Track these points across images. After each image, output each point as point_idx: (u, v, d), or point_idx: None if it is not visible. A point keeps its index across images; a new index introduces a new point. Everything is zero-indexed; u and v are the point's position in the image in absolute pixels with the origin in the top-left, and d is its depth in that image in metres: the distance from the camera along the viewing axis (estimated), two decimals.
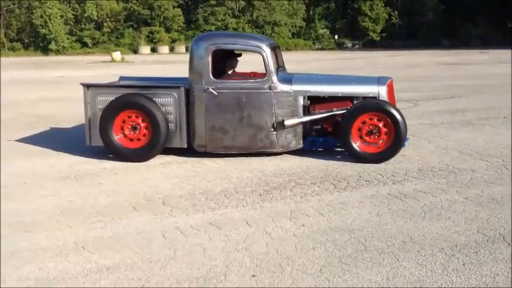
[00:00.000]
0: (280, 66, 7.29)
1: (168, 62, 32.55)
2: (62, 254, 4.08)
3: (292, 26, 54.80)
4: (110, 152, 7.00)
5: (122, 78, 8.36)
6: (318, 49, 52.76)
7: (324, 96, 7.04)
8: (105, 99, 7.03)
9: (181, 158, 7.05)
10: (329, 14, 57.56)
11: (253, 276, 3.64)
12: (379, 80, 7.09)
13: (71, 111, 11.59)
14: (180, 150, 7.08)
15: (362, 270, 3.66)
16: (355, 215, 4.78)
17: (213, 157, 6.98)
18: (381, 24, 54.12)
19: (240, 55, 7.68)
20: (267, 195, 5.43)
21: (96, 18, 49.99)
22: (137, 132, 6.91)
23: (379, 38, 53.72)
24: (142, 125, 6.88)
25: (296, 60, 28.04)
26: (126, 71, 25.73)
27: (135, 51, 49.49)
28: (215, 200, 5.32)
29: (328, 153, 7.09)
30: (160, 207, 5.15)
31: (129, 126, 6.91)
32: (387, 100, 6.85)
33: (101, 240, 4.33)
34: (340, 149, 7.20)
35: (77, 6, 49.49)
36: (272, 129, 6.83)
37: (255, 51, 6.90)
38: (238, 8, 54.31)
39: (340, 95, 6.97)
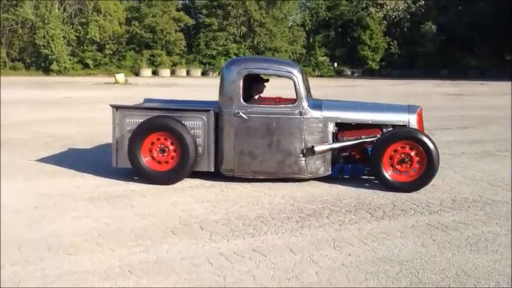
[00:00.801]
0: (308, 92, 7.29)
1: (172, 85, 32.68)
2: (110, 278, 4.00)
3: (292, 53, 55.19)
4: (138, 174, 6.94)
5: (146, 100, 8.36)
6: (317, 76, 53.03)
7: (352, 123, 7.03)
8: (134, 121, 7.00)
9: (208, 181, 7.00)
10: (329, 42, 57.96)
11: None
12: (409, 109, 7.10)
13: (85, 132, 11.59)
14: (206, 174, 7.03)
15: None
16: (399, 245, 4.73)
17: (240, 181, 6.93)
18: (380, 53, 54.55)
19: (267, 80, 7.70)
20: (304, 222, 5.38)
21: (98, 40, 50.20)
22: (166, 154, 6.87)
23: (378, 67, 54.09)
24: (171, 147, 6.84)
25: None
26: (131, 93, 25.83)
27: (137, 74, 49.65)
28: (252, 225, 5.25)
29: (356, 180, 7.06)
30: (198, 231, 5.08)
31: (158, 149, 6.86)
32: (417, 129, 6.86)
33: (146, 265, 4.26)
34: (368, 177, 7.19)
35: (79, 27, 49.80)
36: (301, 155, 6.80)
37: (287, 77, 6.92)
38: (240, 33, 54.71)
39: (370, 122, 6.97)
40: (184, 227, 5.20)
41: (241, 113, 6.75)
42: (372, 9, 56.12)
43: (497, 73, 49.37)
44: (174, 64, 53.86)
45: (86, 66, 49.33)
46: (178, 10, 56.37)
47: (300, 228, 5.17)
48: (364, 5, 57.40)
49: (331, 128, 6.89)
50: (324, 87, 32.11)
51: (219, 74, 49.89)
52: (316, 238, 4.90)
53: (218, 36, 53.94)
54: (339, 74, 53.58)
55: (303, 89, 6.80)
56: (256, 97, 7.57)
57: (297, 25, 56.76)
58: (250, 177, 6.94)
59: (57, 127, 12.40)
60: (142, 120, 6.91)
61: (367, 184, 6.96)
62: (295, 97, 6.91)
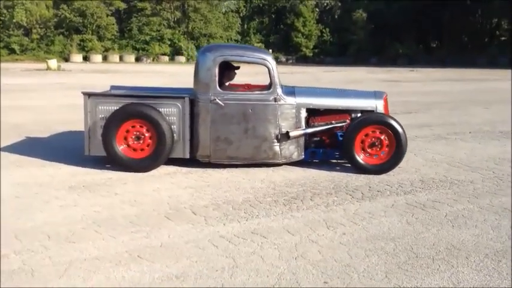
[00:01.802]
0: None
1: (111, 72, 31.95)
2: (122, 263, 4.06)
3: (227, 39, 55.17)
4: (113, 162, 6.91)
5: (113, 87, 8.27)
6: None
7: (321, 109, 7.28)
8: (107, 108, 6.95)
9: (184, 168, 7.07)
10: (263, 29, 58.41)
11: (326, 283, 3.78)
12: (376, 95, 7.45)
13: (39, 120, 11.30)
14: (180, 160, 7.09)
15: (426, 277, 3.88)
16: (386, 223, 5.02)
17: (215, 167, 7.05)
18: (313, 40, 55.56)
19: (238, 68, 7.82)
20: (291, 205, 5.58)
21: (25, 25, 48.25)
22: (141, 142, 6.87)
23: (311, 54, 55.09)
24: (147, 135, 6.85)
25: (244, 73, 28.26)
26: (68, 79, 25.17)
27: (66, 59, 48.07)
28: (243, 209, 5.41)
29: (326, 164, 7.34)
30: (192, 216, 5.19)
31: (133, 136, 6.85)
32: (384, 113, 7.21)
33: (153, 250, 4.33)
34: (337, 160, 7.49)
35: (5, 11, 47.60)
36: (276, 141, 6.99)
37: (261, 64, 7.07)
38: (174, 19, 54.09)
39: (340, 108, 7.25)
40: (176, 213, 5.28)
41: (217, 100, 6.85)
42: None
43: (423, 60, 51.52)
44: (106, 50, 52.58)
45: (12, 51, 47.24)
46: None
47: (289, 211, 5.38)
48: None
49: (304, 113, 7.12)
50: (263, 73, 32.36)
51: (153, 60, 48.83)
52: (308, 219, 5.12)
53: (151, 21, 53.08)
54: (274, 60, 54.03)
55: (277, 76, 6.97)
56: (226, 84, 7.68)
57: (232, 11, 56.69)
58: (226, 162, 7.07)
59: (7, 116, 11.97)
60: (116, 108, 6.88)
61: (338, 167, 7.25)
62: (263, 84, 7.08)
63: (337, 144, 7.24)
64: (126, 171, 6.82)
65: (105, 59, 51.12)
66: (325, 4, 58.62)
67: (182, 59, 53.06)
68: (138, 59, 52.28)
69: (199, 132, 6.96)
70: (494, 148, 8.78)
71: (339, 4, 58.67)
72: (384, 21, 53.45)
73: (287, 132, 6.95)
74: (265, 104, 6.94)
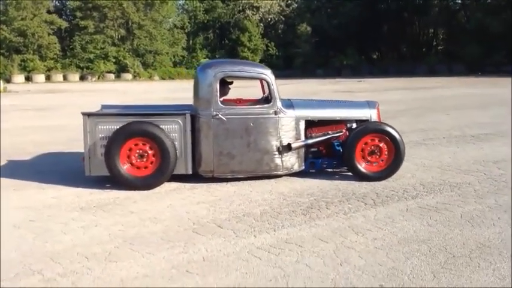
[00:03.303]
0: None
1: (56, 91, 31.27)
2: (174, 279, 4.08)
3: (174, 55, 55.09)
4: (117, 181, 6.84)
5: (104, 106, 8.18)
6: None
7: (318, 120, 7.47)
8: (106, 127, 6.90)
9: (187, 184, 7.08)
10: (208, 44, 58.65)
11: (381, 285, 3.93)
12: (369, 104, 7.71)
13: (13, 143, 11.01)
14: (179, 176, 7.08)
15: (472, 274, 4.08)
16: (410, 227, 5.22)
17: (217, 182, 7.10)
18: (259, 54, 56.32)
19: (231, 83, 7.92)
20: (310, 214, 5.71)
21: None
22: (144, 160, 6.85)
23: None
24: (150, 152, 6.83)
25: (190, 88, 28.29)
26: (18, 101, 24.54)
27: (8, 81, 46.62)
28: (266, 221, 5.49)
29: (323, 173, 7.53)
30: (219, 230, 5.23)
31: (136, 155, 6.83)
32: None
33: (198, 264, 4.36)
34: (333, 169, 7.68)
35: None
36: (277, 153, 7.12)
37: (261, 79, 7.23)
38: (118, 36, 53.54)
39: (337, 118, 7.46)
40: (202, 227, 5.31)
41: (220, 115, 6.92)
42: (249, 12, 57.64)
43: (366, 70, 53.10)
44: (49, 69, 51.50)
45: None
46: (50, 12, 53.94)
47: (311, 220, 5.50)
48: (240, 7, 58.72)
49: (303, 125, 7.29)
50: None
51: (98, 78, 48.10)
52: (333, 227, 5.26)
53: (95, 39, 52.44)
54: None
55: (276, 90, 7.12)
56: (221, 99, 7.75)
57: (177, 27, 56.64)
58: (229, 177, 7.13)
59: None
60: (117, 127, 6.84)
61: (337, 176, 7.45)
62: (254, 98, 7.21)
63: (334, 153, 7.45)
64: (129, 189, 6.78)
65: (48, 78, 50.08)
66: (269, 19, 59.43)
67: (128, 76, 52.59)
68: (82, 78, 51.46)
69: (201, 147, 7.00)
70: (474, 151, 9.21)
71: (283, 19, 59.64)
72: (326, 34, 54.76)
73: (289, 144, 7.09)
74: (266, 118, 7.07)
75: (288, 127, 7.15)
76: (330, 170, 7.72)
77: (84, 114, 6.96)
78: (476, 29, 50.92)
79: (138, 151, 6.83)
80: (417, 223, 5.33)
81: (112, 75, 52.32)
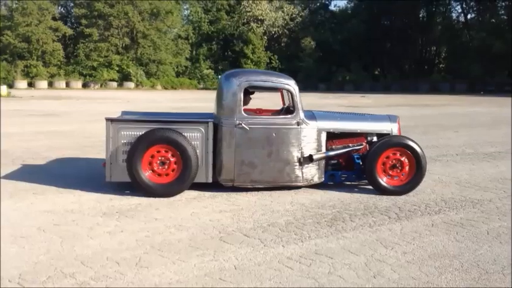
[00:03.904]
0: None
1: (61, 98, 31.27)
2: (208, 286, 4.04)
3: (177, 66, 55.20)
4: (138, 187, 6.82)
5: (124, 113, 8.18)
6: (202, 88, 53.57)
7: (339, 132, 7.47)
8: (129, 133, 6.90)
9: (206, 192, 7.06)
10: (212, 55, 58.82)
11: None
12: (391, 118, 7.72)
13: (23, 147, 10.99)
14: (197, 184, 7.06)
15: None
16: (438, 242, 5.20)
17: (237, 191, 7.07)
18: (262, 67, 56.39)
19: (253, 93, 7.93)
20: (336, 226, 5.69)
21: None
22: (166, 167, 6.84)
23: None
24: (172, 159, 6.82)
25: (197, 98, 28.25)
26: (25, 106, 24.53)
27: (10, 86, 46.60)
28: (292, 231, 5.47)
29: (343, 186, 7.51)
30: (246, 239, 5.21)
31: (158, 162, 6.81)
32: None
33: (230, 272, 4.34)
34: (350, 182, 7.67)
35: None
36: (298, 164, 7.11)
37: (285, 89, 7.25)
38: (123, 44, 53.65)
39: (358, 131, 7.47)
40: (228, 236, 5.29)
41: (243, 124, 6.92)
42: (253, 25, 57.83)
43: (369, 87, 53.25)
44: (52, 75, 51.51)
45: None
46: (55, 19, 54.06)
47: (337, 232, 5.48)
48: (245, 20, 58.96)
49: (324, 137, 7.29)
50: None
51: (101, 86, 48.06)
52: (361, 240, 5.24)
53: (99, 47, 52.50)
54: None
55: (299, 101, 7.13)
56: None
57: (181, 38, 56.80)
58: (249, 186, 7.12)
59: None
60: (140, 133, 6.83)
61: (356, 189, 7.45)
62: (274, 108, 7.21)
63: (353, 166, 7.44)
64: (150, 196, 6.76)
65: (50, 85, 50.08)
66: (273, 32, 59.70)
67: (131, 84, 52.65)
68: (85, 85, 51.47)
69: (223, 156, 6.99)
70: (490, 169, 9.21)
71: (286, 32, 59.91)
72: (330, 49, 54.99)
73: (310, 156, 7.08)
74: (289, 128, 7.07)
75: (309, 138, 7.15)
76: (347, 182, 7.70)
77: (107, 119, 6.95)
78: (479, 48, 51.20)
79: (160, 158, 6.81)
80: (445, 238, 5.32)
81: (115, 84, 52.34)
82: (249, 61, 55.72)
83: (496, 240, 5.26)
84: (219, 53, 60.27)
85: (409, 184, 7.13)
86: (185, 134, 6.90)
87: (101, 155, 10.19)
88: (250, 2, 58.88)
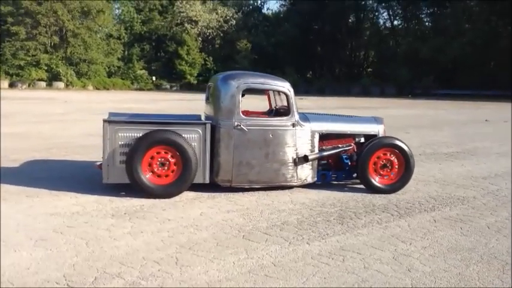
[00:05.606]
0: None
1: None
2: (259, 281, 4.15)
3: (108, 66, 54.00)
4: (138, 189, 6.77)
5: (112, 114, 8.04)
6: (136, 89, 52.75)
7: (329, 134, 7.72)
8: (126, 135, 6.84)
9: (204, 193, 7.10)
10: (144, 56, 58.00)
11: None
12: (377, 120, 8.06)
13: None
14: (194, 185, 7.10)
15: None
16: (449, 236, 5.51)
17: (235, 191, 7.15)
18: (197, 68, 56.26)
19: (243, 95, 8.01)
20: (347, 224, 5.90)
21: None
22: (166, 168, 6.83)
23: (196, 81, 55.66)
24: (171, 160, 6.82)
25: (137, 100, 27.85)
26: None
27: None
28: (309, 229, 5.64)
29: (330, 185, 7.75)
30: (268, 237, 5.32)
31: (158, 163, 6.79)
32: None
33: (273, 269, 4.46)
34: (338, 182, 7.93)
35: None
36: (293, 164, 7.29)
37: (281, 91, 7.42)
38: (51, 43, 51.89)
39: (348, 132, 7.75)
40: (250, 235, 5.39)
41: (241, 126, 7.02)
42: (187, 25, 57.55)
43: (304, 89, 54.25)
44: None
45: None
46: None
47: (351, 229, 5.70)
48: (178, 21, 58.58)
49: (317, 138, 7.51)
50: (159, 100, 32.31)
51: (29, 86, 46.08)
52: (377, 236, 5.48)
53: (27, 46, 50.47)
54: (158, 87, 53.88)
55: (295, 103, 7.31)
56: None
57: (113, 37, 55.64)
58: (246, 186, 7.22)
59: None
60: (138, 135, 6.79)
61: (345, 188, 7.72)
62: (261, 110, 7.41)
63: (342, 166, 7.71)
64: (149, 197, 6.73)
65: None
66: (208, 34, 59.67)
67: (61, 84, 51.01)
68: (12, 85, 49.35)
69: (221, 157, 7.07)
70: (457, 168, 9.78)
71: (221, 34, 60.05)
72: (265, 52, 55.64)
73: (306, 156, 7.28)
74: (285, 130, 7.24)
75: (304, 139, 7.35)
76: (334, 182, 7.95)
77: (104, 121, 6.85)
78: (406, 53, 53.43)
79: (160, 159, 6.79)
80: (453, 233, 5.65)
81: (43, 83, 50.54)
82: (184, 62, 55.42)
83: (500, 234, 5.65)
84: (152, 53, 59.55)
85: (399, 182, 7.48)
86: (184, 135, 6.91)
87: (71, 156, 10.01)
88: (184, 2, 58.63)
